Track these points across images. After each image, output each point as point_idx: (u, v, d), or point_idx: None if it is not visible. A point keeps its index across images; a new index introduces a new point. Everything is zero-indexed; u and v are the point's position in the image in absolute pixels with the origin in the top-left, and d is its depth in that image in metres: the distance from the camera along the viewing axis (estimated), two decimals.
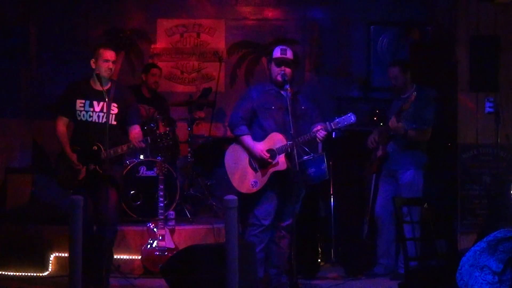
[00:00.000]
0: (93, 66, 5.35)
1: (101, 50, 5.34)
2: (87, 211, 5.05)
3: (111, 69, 5.35)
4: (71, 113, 5.37)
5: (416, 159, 6.07)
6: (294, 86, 5.57)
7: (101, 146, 5.29)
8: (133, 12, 8.37)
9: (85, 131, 5.34)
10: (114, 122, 5.34)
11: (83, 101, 5.34)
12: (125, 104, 5.44)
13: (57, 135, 5.39)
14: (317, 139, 5.37)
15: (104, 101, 5.29)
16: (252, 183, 5.42)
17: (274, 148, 5.40)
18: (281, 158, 5.39)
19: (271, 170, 5.41)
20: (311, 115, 5.58)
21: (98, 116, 5.35)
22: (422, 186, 6.08)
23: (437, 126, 6.17)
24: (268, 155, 5.37)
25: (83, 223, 4.51)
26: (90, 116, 5.34)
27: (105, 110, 5.31)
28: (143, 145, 5.42)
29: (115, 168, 5.45)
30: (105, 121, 5.29)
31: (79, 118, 5.35)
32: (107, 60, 5.32)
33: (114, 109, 5.35)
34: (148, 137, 5.44)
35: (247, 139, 5.45)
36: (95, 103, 5.35)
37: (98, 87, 5.32)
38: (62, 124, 5.40)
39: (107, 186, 5.30)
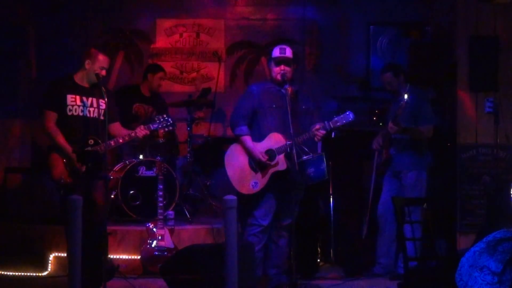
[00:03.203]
0: (87, 67, 5.44)
1: (100, 56, 5.45)
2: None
3: (103, 75, 5.50)
4: (60, 108, 5.39)
5: (419, 160, 6.09)
6: (295, 85, 5.57)
7: (98, 140, 5.36)
8: (133, 12, 8.37)
9: (77, 126, 5.38)
10: (101, 117, 5.42)
11: (74, 96, 5.42)
12: (110, 101, 5.51)
13: (48, 130, 5.38)
14: (316, 139, 5.38)
15: (92, 96, 5.42)
16: (253, 183, 5.42)
17: (274, 148, 5.40)
18: (281, 158, 5.39)
19: (271, 170, 5.40)
20: (312, 114, 5.58)
21: (89, 111, 5.43)
22: (426, 187, 6.09)
23: (436, 126, 6.18)
24: (266, 157, 5.37)
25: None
26: (81, 111, 5.41)
27: (95, 105, 5.43)
28: (148, 131, 5.53)
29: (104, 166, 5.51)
30: (95, 116, 5.41)
31: (69, 113, 5.39)
32: (103, 68, 5.46)
33: (103, 105, 5.43)
34: (151, 124, 5.56)
35: (247, 140, 5.45)
36: (84, 98, 5.43)
37: (84, 83, 5.47)
38: (51, 119, 5.40)
39: (102, 184, 5.40)
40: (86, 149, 5.35)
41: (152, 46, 8.44)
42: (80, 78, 5.48)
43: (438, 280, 4.78)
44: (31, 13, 7.94)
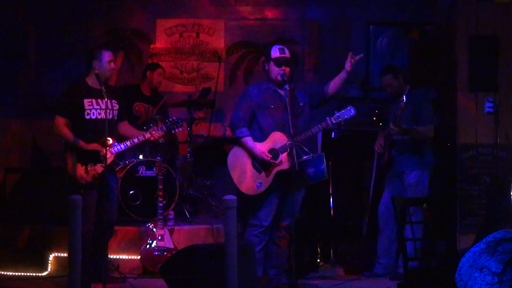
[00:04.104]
0: (96, 66, 5.56)
1: (104, 52, 5.60)
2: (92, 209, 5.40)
3: (113, 69, 5.66)
4: (76, 113, 5.50)
5: (421, 160, 6.08)
6: (291, 83, 5.57)
7: (113, 140, 5.51)
8: (133, 12, 8.36)
9: (95, 128, 5.47)
10: (115, 118, 5.62)
11: (90, 100, 5.52)
12: (120, 100, 5.72)
13: (63, 133, 5.50)
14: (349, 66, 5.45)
15: (104, 98, 5.49)
16: (257, 184, 5.42)
17: (276, 148, 5.40)
18: (284, 157, 5.39)
19: (275, 169, 5.41)
20: (309, 111, 5.60)
21: (105, 113, 5.53)
22: (428, 187, 6.09)
23: (436, 126, 6.18)
24: (270, 156, 5.37)
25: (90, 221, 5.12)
26: (98, 114, 5.51)
27: (109, 107, 5.54)
28: (161, 133, 5.73)
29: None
30: (110, 117, 5.51)
31: (87, 117, 5.50)
32: (111, 61, 5.60)
33: (116, 105, 5.62)
34: (164, 125, 5.77)
35: (248, 141, 5.45)
36: (99, 101, 5.54)
37: (97, 85, 5.54)
38: (64, 124, 5.52)
39: (114, 184, 5.65)
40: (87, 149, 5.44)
41: (152, 46, 8.43)
42: (92, 81, 5.57)
43: (438, 280, 4.78)
44: (31, 13, 7.94)
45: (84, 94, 5.52)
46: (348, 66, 5.47)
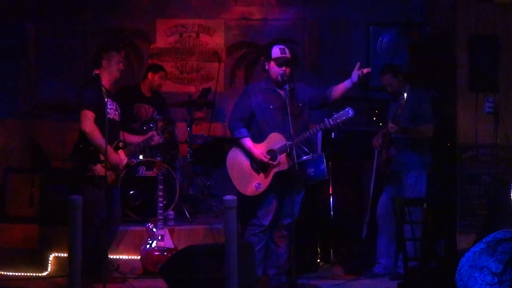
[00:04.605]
0: (105, 66, 5.58)
1: (113, 53, 5.65)
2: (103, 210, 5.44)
3: (122, 69, 5.69)
4: (101, 111, 5.45)
5: (419, 160, 6.09)
6: (291, 84, 5.56)
7: (124, 143, 5.64)
8: (133, 12, 8.36)
9: (110, 129, 5.42)
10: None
11: (110, 100, 5.54)
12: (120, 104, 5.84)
13: (94, 131, 5.39)
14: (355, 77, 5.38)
15: (113, 99, 5.60)
16: (256, 185, 5.42)
17: (275, 149, 5.40)
18: (282, 158, 5.39)
19: (274, 170, 5.41)
20: (308, 111, 5.60)
21: (116, 115, 5.62)
22: (426, 187, 6.09)
23: (436, 126, 6.18)
24: (269, 157, 5.37)
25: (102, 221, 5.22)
26: (114, 115, 5.57)
27: (119, 109, 5.69)
28: (160, 138, 5.87)
29: None
30: (117, 119, 5.65)
31: (108, 116, 5.47)
32: (119, 61, 5.65)
33: (119, 109, 5.72)
34: (159, 130, 5.92)
35: (247, 142, 5.45)
36: (112, 101, 5.59)
37: (110, 87, 5.66)
38: (93, 119, 5.44)
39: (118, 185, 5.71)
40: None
41: (152, 46, 8.43)
42: (105, 82, 5.50)
43: (438, 280, 4.78)
44: (31, 13, 7.94)
45: (104, 94, 5.47)
46: (355, 77, 5.41)
